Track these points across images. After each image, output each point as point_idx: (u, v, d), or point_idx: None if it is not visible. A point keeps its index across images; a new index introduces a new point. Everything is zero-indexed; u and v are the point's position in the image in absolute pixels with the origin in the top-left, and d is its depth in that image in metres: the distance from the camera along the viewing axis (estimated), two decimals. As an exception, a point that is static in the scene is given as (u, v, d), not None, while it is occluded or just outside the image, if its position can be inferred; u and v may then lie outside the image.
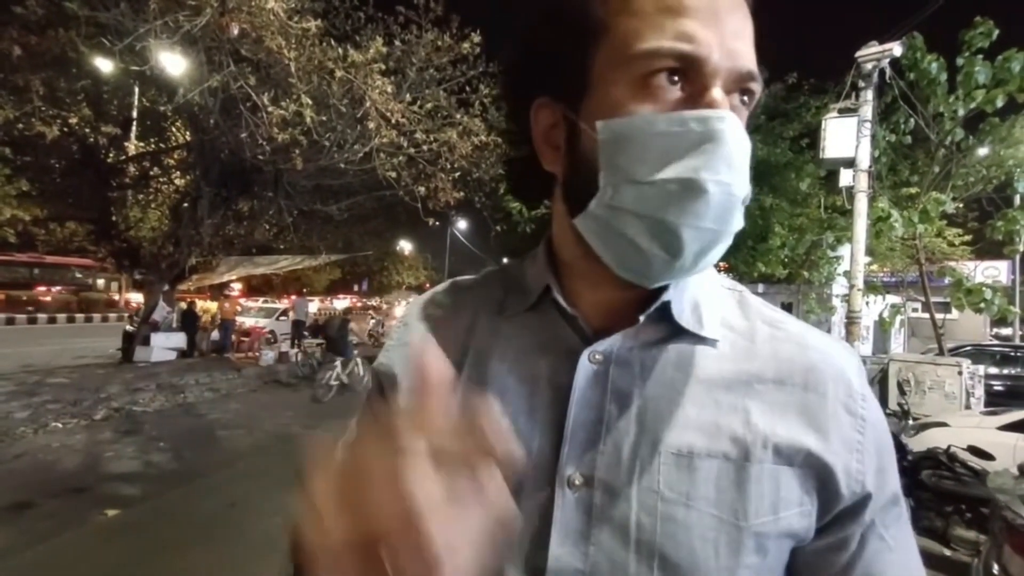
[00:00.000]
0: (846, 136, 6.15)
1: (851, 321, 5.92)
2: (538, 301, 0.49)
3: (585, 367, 0.45)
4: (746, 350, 0.46)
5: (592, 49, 0.41)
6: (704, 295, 0.49)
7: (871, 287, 7.82)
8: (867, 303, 7.48)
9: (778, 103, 11.11)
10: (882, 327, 8.47)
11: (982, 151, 7.63)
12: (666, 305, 0.45)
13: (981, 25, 6.97)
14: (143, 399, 7.28)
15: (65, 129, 8.29)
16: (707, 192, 0.38)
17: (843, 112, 6.32)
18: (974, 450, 3.67)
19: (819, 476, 0.42)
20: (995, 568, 2.24)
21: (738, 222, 0.40)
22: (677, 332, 0.46)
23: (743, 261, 10.84)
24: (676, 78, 0.39)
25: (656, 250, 0.40)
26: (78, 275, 20.95)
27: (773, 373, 0.45)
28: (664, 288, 0.45)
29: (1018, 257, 11.09)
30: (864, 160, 6.00)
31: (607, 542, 0.41)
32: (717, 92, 0.39)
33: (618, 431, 0.43)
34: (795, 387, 0.44)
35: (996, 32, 6.88)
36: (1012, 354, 9.34)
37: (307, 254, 14.99)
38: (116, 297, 22.66)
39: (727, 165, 0.38)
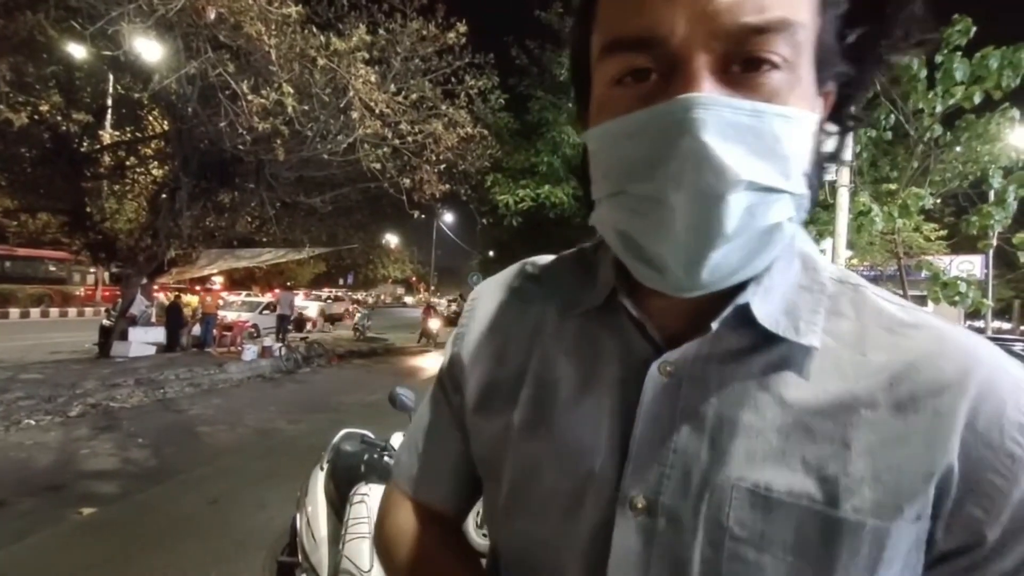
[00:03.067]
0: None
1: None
2: (608, 300, 0.44)
3: (654, 380, 0.40)
4: (855, 364, 0.38)
5: (587, 49, 0.39)
6: (802, 292, 0.41)
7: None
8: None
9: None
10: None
11: (959, 147, 7.80)
12: (744, 308, 0.38)
13: (959, 22, 7.10)
14: (121, 395, 7.12)
15: (35, 116, 8.01)
16: (666, 200, 0.33)
17: (826, 107, 6.39)
18: None
19: (939, 523, 0.35)
20: None
21: (748, 218, 0.33)
22: (765, 339, 0.39)
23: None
24: (645, 68, 0.34)
25: (643, 268, 0.37)
26: (52, 268, 20.35)
27: (888, 396, 0.36)
28: (744, 286, 0.38)
29: (991, 251, 11.40)
30: (846, 155, 6.10)
31: (666, 567, 0.38)
32: (690, 67, 0.32)
33: (687, 454, 0.38)
34: (919, 413, 0.35)
35: (974, 29, 7.01)
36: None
37: (290, 247, 14.78)
38: (92, 290, 22.10)
39: (695, 164, 0.31)
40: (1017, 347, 8.37)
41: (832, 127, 0.39)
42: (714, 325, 0.38)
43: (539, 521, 0.43)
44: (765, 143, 0.33)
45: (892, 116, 7.86)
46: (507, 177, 11.17)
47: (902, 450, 0.35)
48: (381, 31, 7.17)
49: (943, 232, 11.86)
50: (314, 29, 6.16)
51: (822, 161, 0.38)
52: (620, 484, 0.40)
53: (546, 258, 0.55)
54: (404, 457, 0.56)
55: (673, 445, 0.39)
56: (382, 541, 0.55)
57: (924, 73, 7.25)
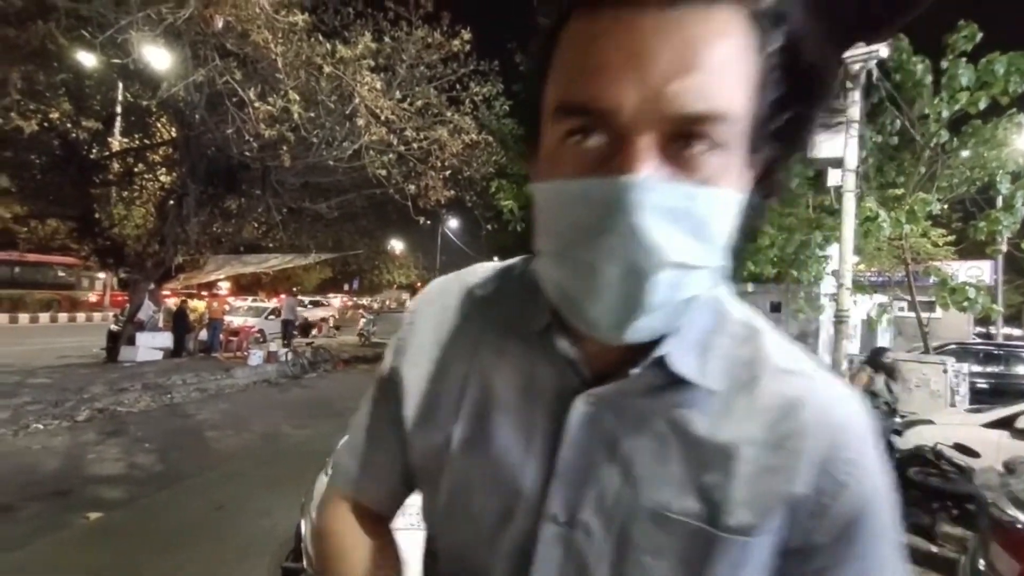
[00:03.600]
0: (833, 136, 6.20)
1: (839, 320, 5.98)
2: (546, 327, 0.47)
3: (579, 411, 0.45)
4: (745, 407, 0.45)
5: (542, 100, 0.40)
6: (714, 336, 0.46)
7: (859, 287, 7.92)
8: (855, 302, 7.57)
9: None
10: (870, 326, 8.58)
11: (965, 153, 7.76)
12: (661, 357, 0.43)
13: (965, 28, 7.09)
14: (128, 399, 7.16)
15: (45, 124, 8.11)
16: (601, 272, 0.36)
17: (831, 112, 6.38)
18: (960, 447, 3.73)
19: (787, 537, 0.44)
20: (982, 564, 2.26)
21: (670, 293, 0.37)
22: (676, 382, 0.44)
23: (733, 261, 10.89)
24: (590, 136, 0.36)
25: (578, 319, 0.40)
26: (61, 273, 20.55)
27: (766, 435, 0.44)
28: (664, 336, 0.43)
29: (1001, 257, 11.30)
30: (852, 160, 6.06)
31: (581, 573, 0.45)
32: (634, 148, 0.35)
33: (603, 477, 0.45)
34: (783, 451, 0.43)
35: (979, 35, 6.99)
36: (995, 352, 9.50)
37: (297, 253, 14.86)
38: (100, 296, 22.28)
39: (630, 241, 0.35)
40: (1027, 353, 8.29)
41: (756, 195, 0.41)
42: (633, 371, 0.43)
43: (473, 528, 0.49)
44: (695, 224, 0.36)
45: (898, 121, 7.83)
46: (511, 183, 11.19)
47: (771, 480, 0.43)
48: (387, 39, 7.23)
49: (951, 238, 11.76)
50: (320, 37, 6.22)
51: (743, 228, 0.42)
52: (545, 500, 0.45)
53: (490, 267, 0.57)
54: (345, 459, 0.60)
55: (592, 469, 0.45)
56: (320, 538, 0.59)
57: (930, 79, 7.24)
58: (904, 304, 10.17)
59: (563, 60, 0.38)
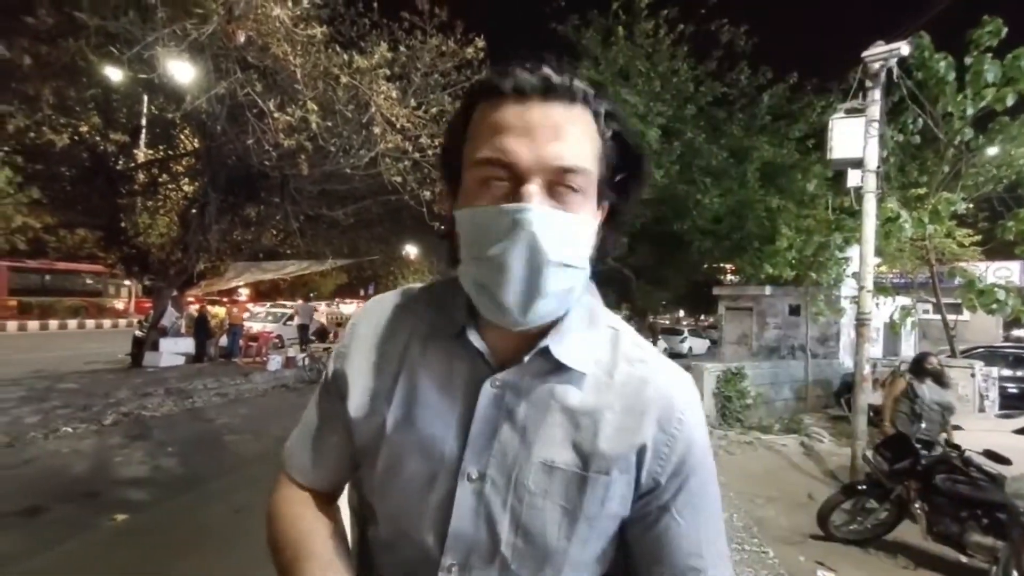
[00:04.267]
0: (853, 136, 6.08)
1: (860, 323, 5.84)
2: (460, 331, 0.62)
3: (487, 392, 0.60)
4: (605, 384, 0.62)
5: (460, 153, 0.59)
6: (586, 334, 0.63)
7: (881, 289, 7.74)
8: (876, 305, 7.40)
9: (783, 104, 11.04)
10: (892, 329, 8.38)
11: (992, 150, 7.55)
12: (546, 348, 0.59)
13: (990, 23, 6.91)
14: (152, 404, 7.33)
15: (75, 137, 8.38)
16: (507, 266, 0.52)
17: (850, 112, 6.26)
18: (990, 454, 3.60)
19: (639, 476, 0.61)
20: (1015, 574, 2.19)
21: (556, 283, 0.54)
22: (558, 367, 0.60)
23: (749, 263, 10.75)
24: (501, 178, 0.54)
25: (491, 307, 0.56)
26: (89, 281, 21.16)
27: (620, 403, 0.61)
28: (550, 328, 0.60)
29: (1031, 257, 10.93)
30: (872, 160, 5.93)
31: (488, 515, 0.59)
32: (528, 188, 0.53)
33: (505, 442, 0.60)
34: (634, 413, 0.61)
35: (1005, 30, 6.82)
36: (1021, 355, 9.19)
37: (313, 259, 15.05)
38: (126, 303, 22.86)
39: (525, 244, 0.52)
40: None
41: (607, 229, 0.62)
42: (525, 359, 0.59)
43: (405, 493, 0.61)
44: (568, 237, 0.54)
45: (920, 120, 7.66)
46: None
47: (624, 434, 0.60)
48: (402, 48, 7.32)
49: (978, 238, 11.44)
50: (338, 48, 6.33)
51: (600, 248, 0.61)
52: (461, 464, 0.59)
53: (416, 287, 0.73)
54: (297, 451, 0.71)
55: (497, 436, 0.60)
56: (274, 519, 0.67)
57: (953, 76, 7.07)
58: (929, 307, 9.91)
59: (479, 130, 0.56)
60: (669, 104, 10.54)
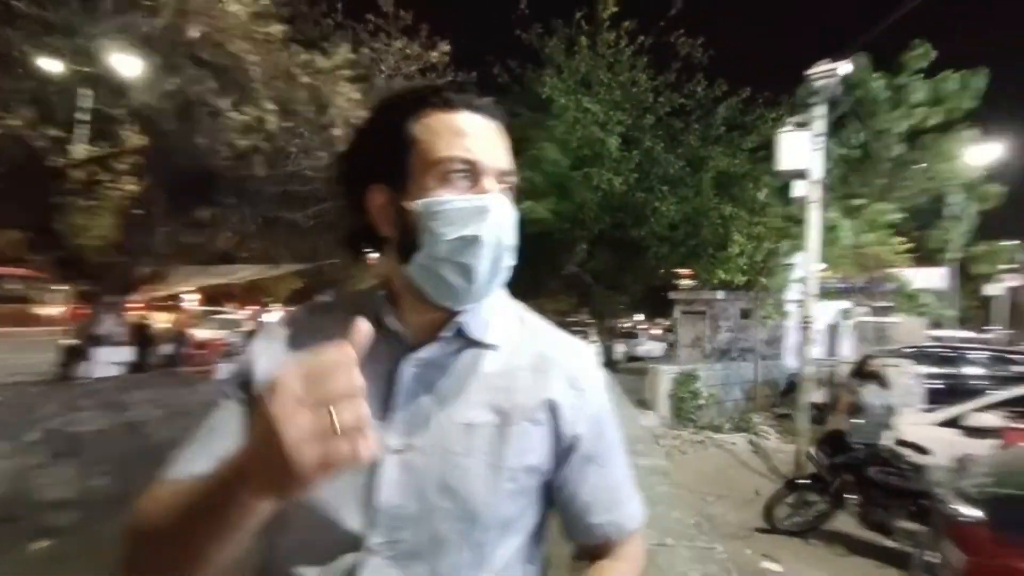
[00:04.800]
0: (799, 149, 6.45)
1: (804, 326, 6.20)
2: (381, 324, 0.66)
3: (407, 370, 0.66)
4: (516, 350, 0.70)
5: (408, 154, 0.64)
6: (495, 315, 0.72)
7: (826, 293, 8.22)
8: (819, 309, 7.86)
9: (737, 116, 11.54)
10: (833, 332, 8.91)
11: (921, 165, 8.18)
12: (461, 325, 0.67)
13: (920, 48, 7.50)
14: (83, 418, 6.83)
15: (5, 131, 7.76)
16: (484, 242, 0.61)
17: (797, 126, 6.64)
18: (913, 446, 3.91)
19: (552, 429, 0.68)
20: (933, 557, 2.37)
21: (509, 260, 0.65)
22: (471, 342, 0.68)
23: (704, 268, 11.16)
24: (464, 174, 0.63)
25: (461, 282, 0.63)
26: (14, 286, 19.58)
27: (529, 364, 0.69)
28: (461, 311, 0.66)
29: (956, 264, 11.88)
30: (816, 172, 6.31)
31: (416, 484, 0.62)
32: (488, 183, 0.63)
33: (426, 412, 0.65)
34: (541, 372, 0.69)
35: (934, 54, 7.42)
36: (948, 355, 9.96)
37: (271, 263, 14.51)
38: (59, 310, 21.29)
39: (495, 226, 0.62)
40: (975, 355, 8.75)
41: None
42: (441, 335, 0.67)
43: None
44: (514, 227, 0.65)
45: (861, 134, 8.21)
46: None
47: (532, 392, 0.68)
48: (366, 50, 7.21)
49: (911, 245, 12.33)
50: (297, 47, 6.17)
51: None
52: (385, 439, 0.63)
53: (325, 300, 0.78)
54: (182, 457, 0.68)
55: (419, 407, 0.65)
56: (138, 524, 0.62)
57: (887, 95, 7.63)
58: (866, 309, 10.59)
59: (437, 132, 0.63)
60: (629, 113, 10.83)
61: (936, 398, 7.94)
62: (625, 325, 23.17)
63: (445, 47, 7.52)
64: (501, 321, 0.72)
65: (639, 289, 15.43)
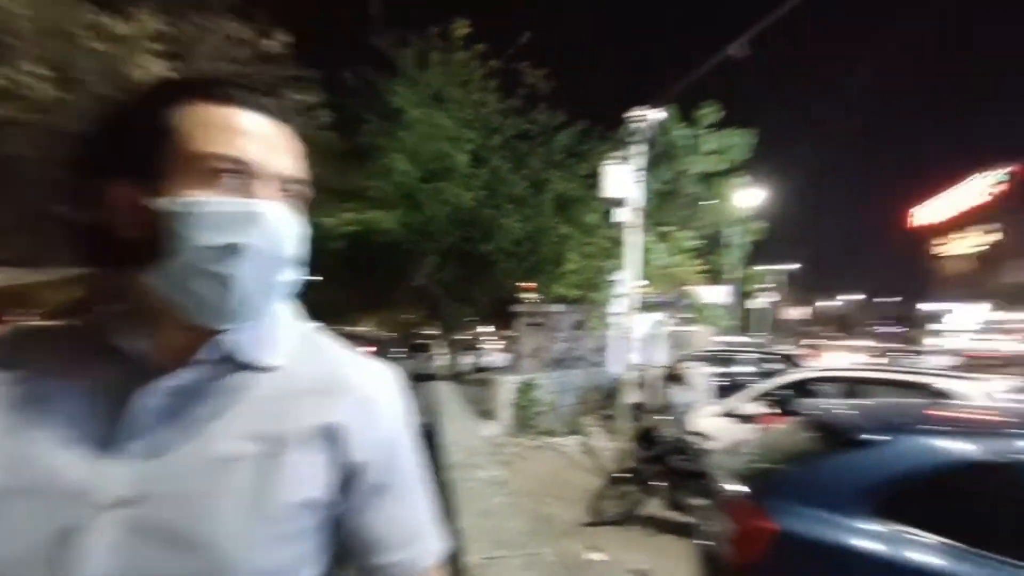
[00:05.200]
0: (621, 180, 7.39)
1: (623, 336, 7.06)
2: (105, 347, 0.56)
3: (147, 401, 0.54)
4: (298, 372, 0.61)
5: (163, 145, 0.54)
6: (274, 333, 0.62)
7: (647, 306, 9.44)
8: (636, 321, 9.00)
9: (574, 144, 12.66)
10: (649, 341, 10.26)
11: (710, 202, 9.97)
12: (225, 345, 0.57)
13: (711, 106, 9.19)
14: None
15: None
16: (252, 252, 0.53)
17: (621, 159, 7.59)
18: (699, 435, 4.74)
19: (332, 456, 0.59)
20: (710, 527, 2.84)
21: (289, 274, 0.57)
22: (240, 365, 0.58)
23: (544, 284, 11.98)
24: (234, 175, 0.54)
25: (219, 296, 0.53)
26: None
27: (312, 387, 0.60)
28: (225, 330, 0.56)
29: (736, 283, 14.64)
30: (634, 200, 7.28)
31: (141, 545, 0.50)
32: (263, 189, 0.55)
33: (167, 451, 0.54)
34: (326, 395, 0.60)
35: (723, 113, 9.15)
36: (729, 356, 12.17)
37: (35, 266, 11.61)
38: None
39: (269, 234, 0.54)
40: (746, 355, 10.86)
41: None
42: (196, 357, 0.56)
43: (10, 547, 0.50)
44: (295, 239, 0.57)
45: (669, 173, 9.69)
46: (331, 197, 10.62)
47: (310, 416, 0.58)
48: (188, 26, 6.27)
49: (706, 267, 14.83)
50: (88, 5, 5.11)
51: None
52: (105, 486, 0.51)
53: (34, 326, 0.65)
54: None
55: (156, 446, 0.53)
56: None
57: (687, 142, 9.20)
58: (675, 320, 12.47)
59: (203, 125, 0.54)
60: (479, 132, 11.19)
61: (723, 393, 9.61)
62: (473, 336, 23.62)
63: (285, 37, 6.92)
64: (283, 341, 0.62)
65: (487, 302, 15.92)
